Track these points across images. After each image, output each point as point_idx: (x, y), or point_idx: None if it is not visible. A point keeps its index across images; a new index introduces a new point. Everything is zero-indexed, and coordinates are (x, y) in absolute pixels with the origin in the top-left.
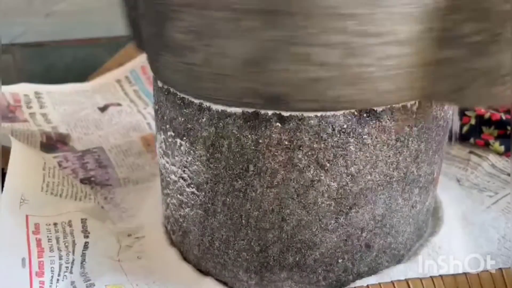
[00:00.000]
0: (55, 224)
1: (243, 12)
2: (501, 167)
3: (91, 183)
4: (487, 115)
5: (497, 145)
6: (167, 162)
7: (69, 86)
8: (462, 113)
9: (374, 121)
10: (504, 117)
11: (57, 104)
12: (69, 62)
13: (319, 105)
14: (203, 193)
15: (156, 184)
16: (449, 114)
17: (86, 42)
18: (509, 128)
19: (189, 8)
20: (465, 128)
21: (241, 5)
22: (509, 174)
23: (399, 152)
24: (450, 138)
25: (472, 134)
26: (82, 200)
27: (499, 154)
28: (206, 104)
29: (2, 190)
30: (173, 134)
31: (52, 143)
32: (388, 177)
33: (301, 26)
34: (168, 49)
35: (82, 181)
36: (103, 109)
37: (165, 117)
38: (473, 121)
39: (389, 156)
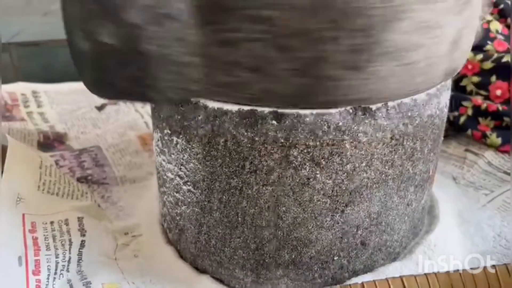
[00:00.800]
0: (51, 222)
1: None
2: (497, 165)
3: (88, 182)
4: (483, 106)
5: (494, 137)
6: (164, 160)
7: (67, 85)
8: (459, 104)
9: (369, 119)
10: (500, 108)
11: (54, 103)
12: (67, 61)
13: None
14: (199, 191)
15: (153, 182)
16: (445, 112)
17: None
18: (505, 119)
19: (422, 4)
20: (462, 119)
21: None
22: (505, 172)
23: (394, 150)
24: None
25: (469, 125)
26: (79, 198)
27: (496, 147)
28: (202, 101)
29: None
30: (169, 132)
31: (49, 142)
32: (383, 175)
33: (477, 2)
34: (383, 56)
35: (79, 179)
36: (100, 108)
37: (162, 115)
38: (470, 112)
39: (384, 154)
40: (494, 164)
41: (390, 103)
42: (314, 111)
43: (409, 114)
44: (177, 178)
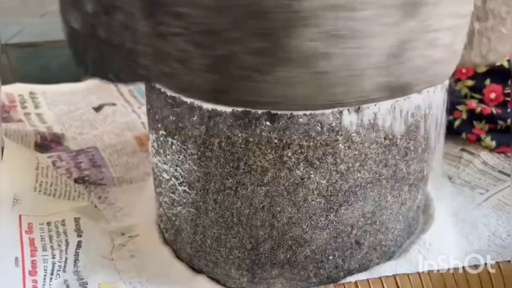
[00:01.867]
0: (48, 223)
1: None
2: (493, 164)
3: (85, 183)
4: (478, 110)
5: (488, 140)
6: (159, 161)
7: (64, 86)
8: (453, 108)
9: (362, 120)
10: (494, 111)
11: (52, 104)
12: (64, 62)
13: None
14: (194, 191)
15: (150, 183)
16: (439, 112)
17: None
18: (499, 122)
19: (332, 11)
20: (456, 123)
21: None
22: (500, 171)
23: (388, 150)
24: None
25: (464, 128)
26: (76, 199)
27: (490, 149)
28: (197, 103)
29: None
30: (164, 133)
31: (47, 143)
32: (377, 175)
33: (434, 14)
34: (288, 62)
35: (76, 180)
36: (98, 109)
37: (157, 116)
38: (464, 116)
39: (378, 154)
40: (490, 164)
41: (383, 104)
42: (308, 112)
43: (402, 113)
44: (173, 178)
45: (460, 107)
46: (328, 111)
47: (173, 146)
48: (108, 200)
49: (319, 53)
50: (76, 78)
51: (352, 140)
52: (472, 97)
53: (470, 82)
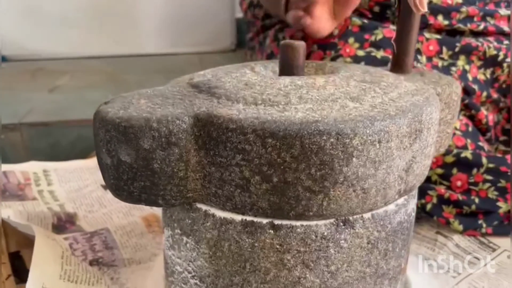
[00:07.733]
0: None
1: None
2: (464, 247)
3: (99, 264)
4: (446, 195)
5: (456, 224)
6: (173, 255)
7: (74, 162)
8: (424, 193)
9: (349, 229)
10: (460, 198)
11: (62, 181)
12: (73, 139)
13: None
14: (205, 285)
15: (157, 263)
16: (412, 216)
17: (89, 122)
18: (464, 207)
19: (372, 144)
20: (428, 206)
21: None
22: (470, 254)
23: (370, 252)
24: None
25: (435, 212)
26: (94, 285)
27: (459, 232)
28: (211, 211)
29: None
30: (180, 232)
31: (62, 223)
32: (361, 273)
33: (429, 134)
34: (341, 184)
35: (91, 262)
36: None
37: (173, 217)
38: (434, 200)
39: (362, 256)
40: (462, 246)
41: (366, 215)
42: (304, 223)
43: (382, 223)
44: (185, 272)
45: (430, 192)
46: (321, 223)
47: (187, 245)
48: (120, 281)
49: (362, 175)
50: (83, 155)
51: (341, 246)
52: (441, 183)
53: (439, 171)
